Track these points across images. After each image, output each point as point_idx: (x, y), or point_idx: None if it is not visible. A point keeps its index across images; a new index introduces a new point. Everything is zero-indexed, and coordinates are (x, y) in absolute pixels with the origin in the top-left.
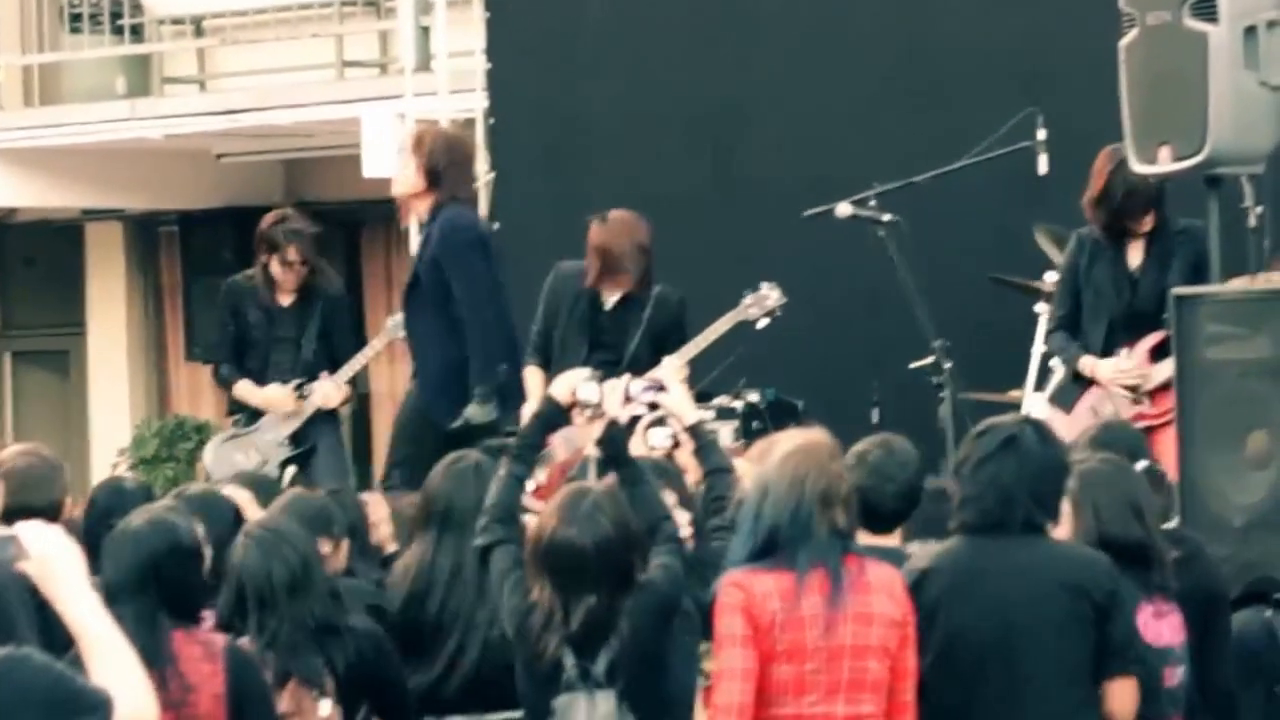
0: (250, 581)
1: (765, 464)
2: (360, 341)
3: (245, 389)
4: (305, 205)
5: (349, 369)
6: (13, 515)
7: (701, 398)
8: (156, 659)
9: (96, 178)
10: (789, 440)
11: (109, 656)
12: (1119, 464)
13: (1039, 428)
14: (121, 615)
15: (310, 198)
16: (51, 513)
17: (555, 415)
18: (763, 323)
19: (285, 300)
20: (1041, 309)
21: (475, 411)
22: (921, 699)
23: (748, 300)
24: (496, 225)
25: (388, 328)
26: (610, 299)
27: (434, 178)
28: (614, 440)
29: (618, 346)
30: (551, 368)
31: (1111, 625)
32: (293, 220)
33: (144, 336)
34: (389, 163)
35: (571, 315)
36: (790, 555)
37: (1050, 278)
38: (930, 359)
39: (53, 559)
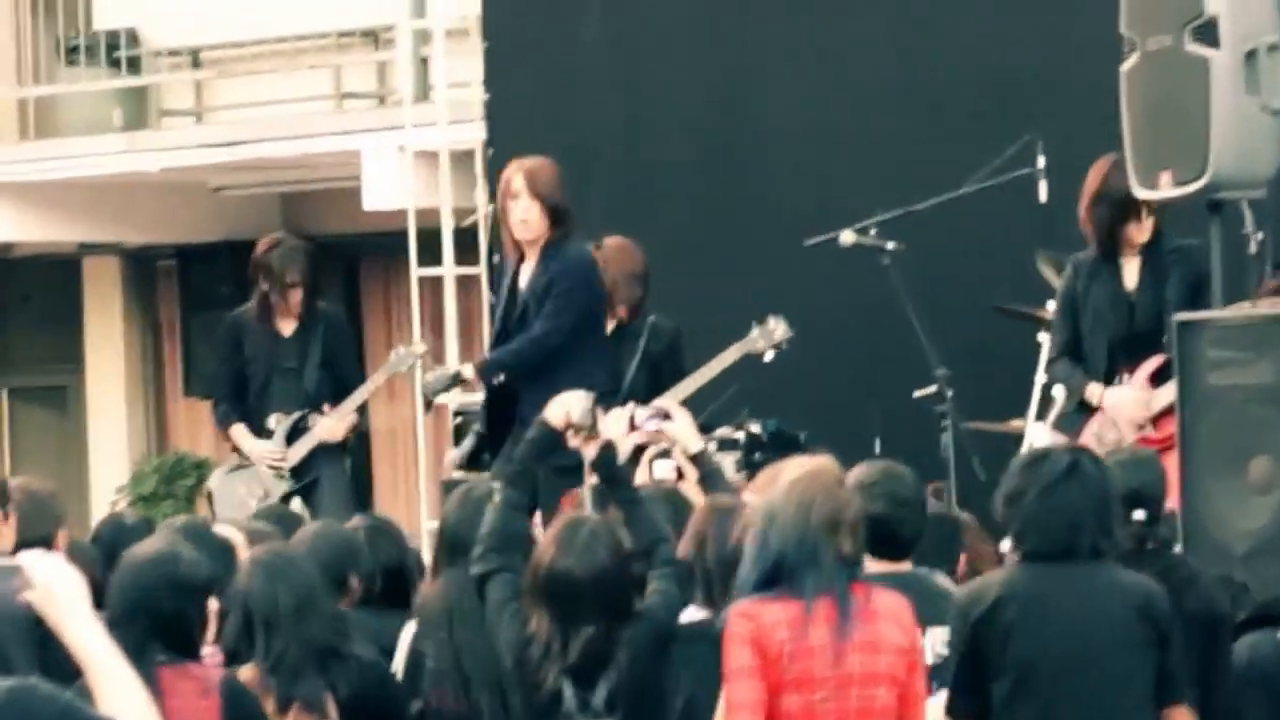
0: (256, 605)
1: (771, 491)
2: (361, 371)
3: (238, 434)
4: (304, 238)
5: (352, 401)
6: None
7: (703, 429)
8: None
9: (93, 211)
10: (795, 467)
11: (115, 686)
12: None
13: (1092, 455)
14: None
15: (309, 230)
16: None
17: (550, 439)
18: (769, 356)
19: (286, 329)
20: (1044, 338)
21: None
22: (997, 714)
23: (754, 333)
24: (497, 257)
25: (391, 361)
26: (606, 327)
27: (557, 215)
28: (608, 462)
29: (615, 375)
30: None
31: (1171, 651)
32: (287, 242)
33: (142, 372)
34: (389, 195)
35: None
36: (798, 583)
37: (1052, 306)
38: (933, 388)
39: (57, 588)
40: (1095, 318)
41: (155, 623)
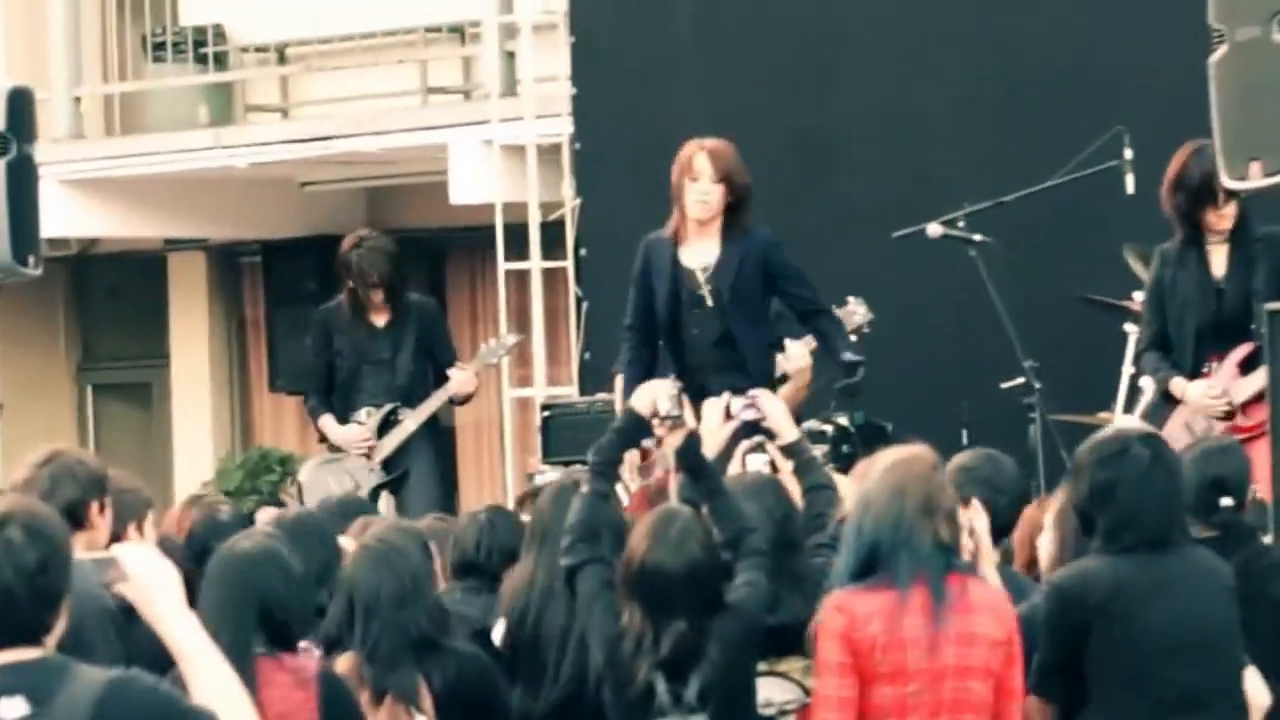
0: (359, 593)
1: (868, 480)
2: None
3: (326, 424)
4: (390, 233)
5: (477, 362)
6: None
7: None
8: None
9: (179, 207)
10: (890, 455)
11: (210, 678)
12: None
13: (1160, 439)
14: (216, 639)
15: (395, 225)
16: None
17: (636, 428)
18: (852, 339)
19: (379, 321)
20: (1131, 329)
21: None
22: (1103, 701)
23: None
24: (584, 251)
25: (482, 352)
26: None
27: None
28: (692, 451)
29: None
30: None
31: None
32: (370, 240)
33: (227, 368)
34: (475, 189)
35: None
36: (893, 570)
37: (1139, 297)
38: (1020, 380)
39: (151, 580)
40: (1182, 306)
41: (253, 615)
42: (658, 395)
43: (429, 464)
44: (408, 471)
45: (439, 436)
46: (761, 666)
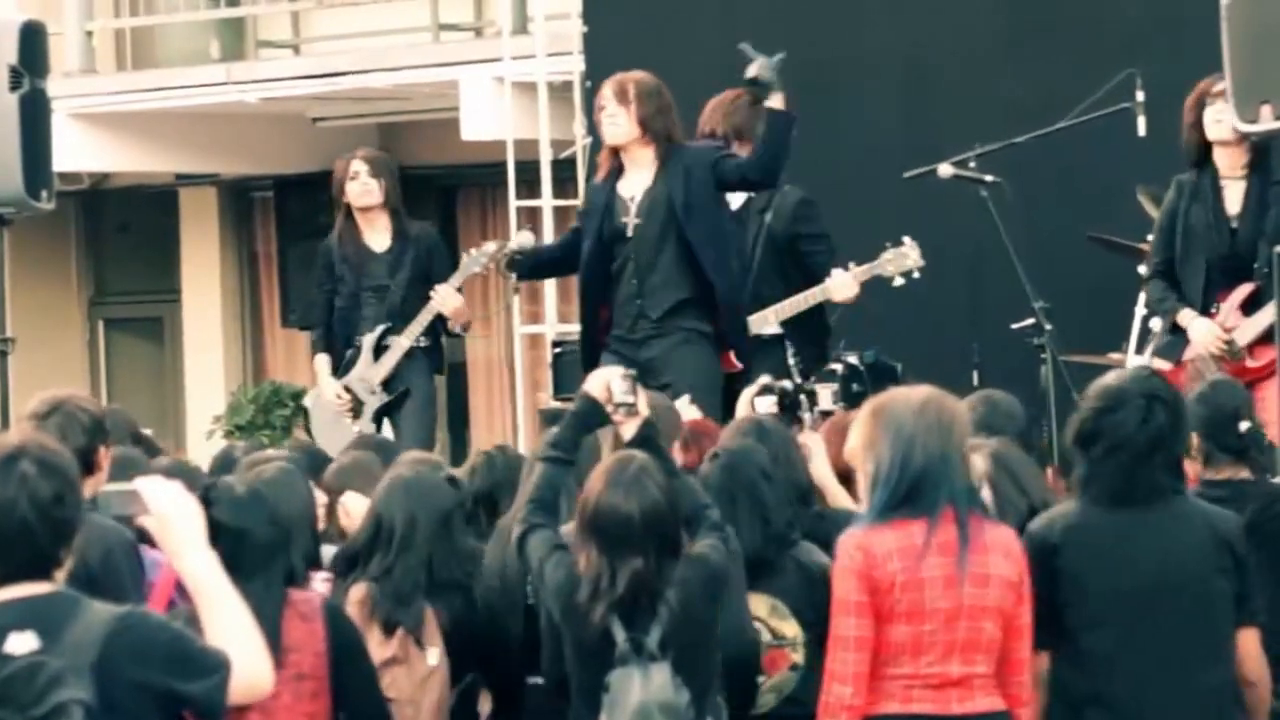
0: (385, 523)
1: (896, 416)
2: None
3: (319, 366)
4: (401, 169)
5: (459, 276)
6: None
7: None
8: (275, 620)
9: (191, 143)
10: (913, 392)
11: (226, 616)
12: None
13: (1165, 397)
14: (250, 577)
15: (406, 162)
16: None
17: (592, 412)
18: (898, 281)
19: (377, 246)
20: (1143, 270)
21: None
22: (1073, 648)
23: (887, 255)
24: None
25: (464, 263)
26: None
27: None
28: (648, 440)
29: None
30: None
31: (1246, 576)
32: (358, 150)
33: (239, 303)
34: (487, 126)
35: None
36: (926, 501)
37: (1152, 238)
38: (1031, 321)
39: (173, 515)
40: (1193, 238)
41: (289, 552)
42: (612, 381)
43: (423, 389)
44: (408, 390)
45: (434, 359)
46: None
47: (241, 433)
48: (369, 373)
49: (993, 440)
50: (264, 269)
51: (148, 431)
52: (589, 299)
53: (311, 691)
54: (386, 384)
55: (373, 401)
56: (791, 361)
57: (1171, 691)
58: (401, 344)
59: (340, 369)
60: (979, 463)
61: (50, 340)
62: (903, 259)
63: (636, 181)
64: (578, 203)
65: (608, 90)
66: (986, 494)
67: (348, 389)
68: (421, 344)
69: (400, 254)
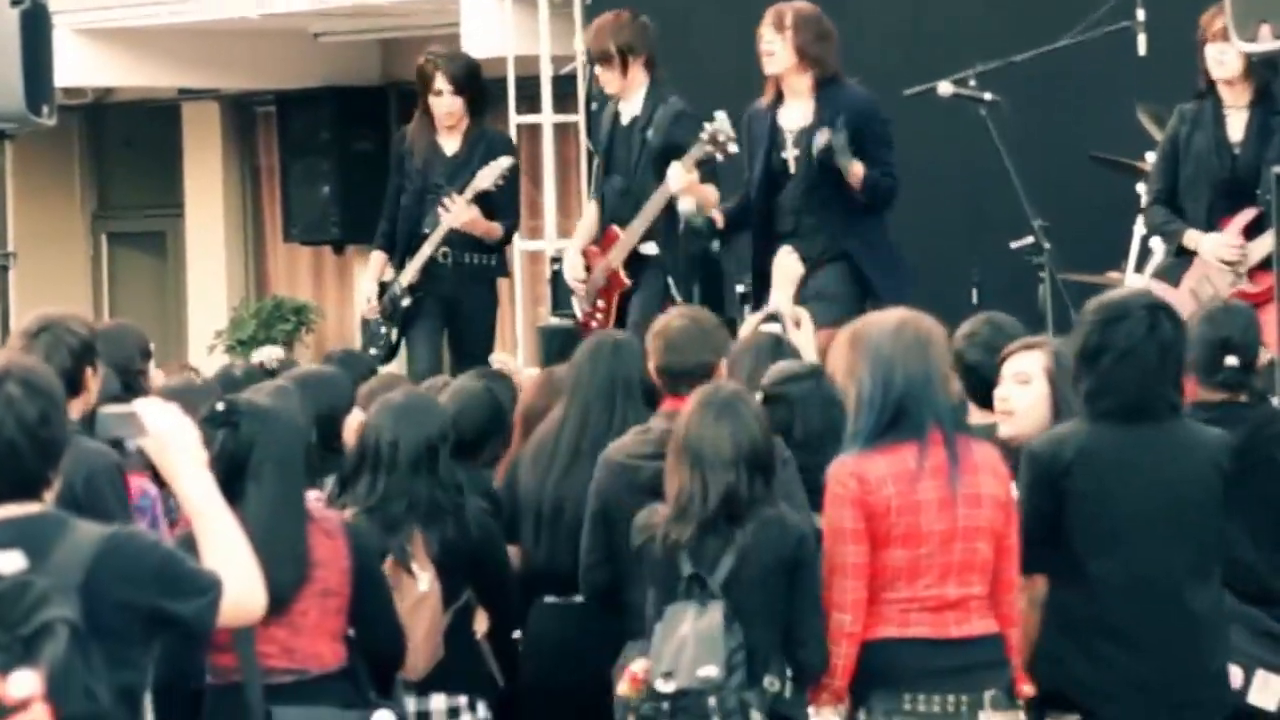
0: (375, 448)
1: (874, 340)
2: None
3: (371, 264)
4: (403, 85)
5: (471, 190)
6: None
7: None
8: (301, 535)
9: (193, 57)
10: (889, 316)
11: (222, 539)
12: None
13: (1168, 310)
14: (271, 493)
15: (408, 77)
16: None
17: None
18: (720, 157)
19: (448, 148)
20: (1142, 188)
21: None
22: (1078, 572)
23: (703, 136)
24: (595, 105)
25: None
26: (625, 117)
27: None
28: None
29: (627, 169)
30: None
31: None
32: (439, 48)
33: (241, 217)
34: (488, 42)
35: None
36: (914, 426)
37: (1151, 157)
38: (1030, 239)
39: (172, 437)
40: (1196, 165)
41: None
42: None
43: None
44: (417, 307)
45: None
46: None
47: (243, 347)
48: (404, 277)
49: (1055, 339)
50: (266, 184)
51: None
52: (760, 228)
53: (336, 607)
54: (414, 289)
55: (401, 307)
56: (670, 280)
57: (1170, 615)
58: (423, 252)
59: (398, 268)
60: (1040, 359)
61: (54, 255)
62: (715, 135)
63: (795, 113)
64: (578, 119)
65: (766, 19)
66: (1043, 389)
67: (384, 289)
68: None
69: (468, 159)
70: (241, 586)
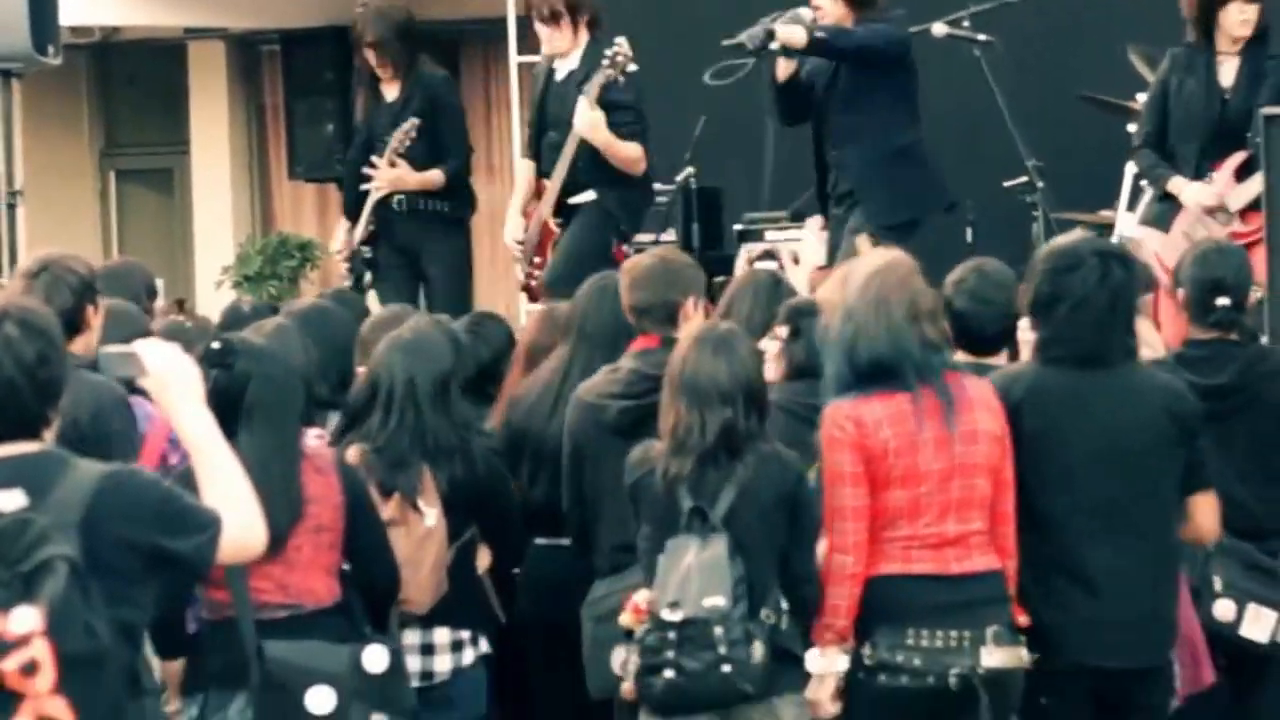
0: (384, 384)
1: (847, 292)
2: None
3: (338, 232)
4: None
5: (389, 152)
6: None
7: (796, 217)
8: (295, 472)
9: None
10: (866, 264)
11: (222, 476)
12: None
13: (1118, 255)
14: (266, 431)
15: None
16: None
17: None
18: (622, 79)
19: (390, 94)
20: (1134, 129)
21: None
22: (1034, 512)
23: (604, 62)
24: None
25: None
26: (561, 73)
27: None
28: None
29: (561, 124)
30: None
31: (1197, 444)
32: (372, 5)
33: (247, 155)
34: None
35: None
36: (896, 377)
37: (1143, 98)
38: (1024, 178)
39: (171, 376)
40: (1187, 110)
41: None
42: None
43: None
44: (374, 259)
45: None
46: None
47: (249, 284)
48: (355, 235)
49: None
50: (271, 122)
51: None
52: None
53: (329, 543)
54: (372, 244)
55: (362, 265)
56: (618, 220)
57: (1124, 557)
58: (365, 211)
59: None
60: None
61: (63, 192)
62: (615, 56)
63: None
64: None
65: None
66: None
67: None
68: (422, 206)
69: (406, 104)
70: (241, 523)
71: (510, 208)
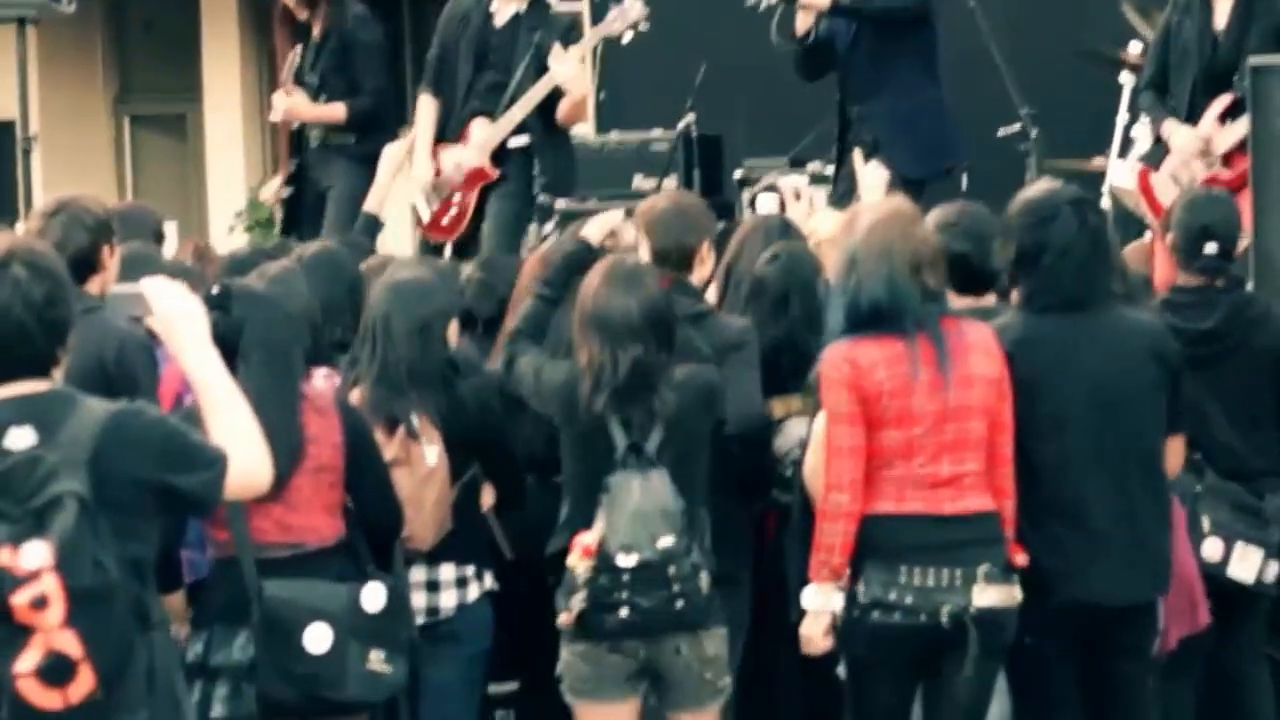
0: (377, 323)
1: (851, 237)
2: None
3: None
4: None
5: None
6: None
7: (795, 164)
8: (295, 413)
9: None
10: (871, 211)
11: (228, 414)
12: None
13: (1089, 201)
14: (267, 372)
15: None
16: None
17: (585, 255)
18: (627, 37)
19: (316, 33)
20: (1126, 79)
21: None
22: (1026, 457)
23: (611, 14)
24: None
25: (606, 20)
26: (502, 16)
27: None
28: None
29: (506, 66)
30: (443, 90)
31: (1180, 388)
32: None
33: (258, 100)
34: None
35: (463, 33)
36: (894, 323)
37: (1134, 49)
38: (1017, 126)
39: (177, 315)
40: (1182, 52)
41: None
42: (615, 224)
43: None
44: (298, 196)
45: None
46: (779, 409)
47: (261, 229)
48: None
49: None
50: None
51: (171, 223)
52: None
53: (330, 483)
54: (293, 183)
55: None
56: (536, 172)
57: (1117, 497)
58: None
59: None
60: None
61: (78, 138)
62: (626, 14)
63: None
64: (581, 6)
65: None
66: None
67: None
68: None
69: (324, 40)
70: (247, 459)
71: (417, 146)
